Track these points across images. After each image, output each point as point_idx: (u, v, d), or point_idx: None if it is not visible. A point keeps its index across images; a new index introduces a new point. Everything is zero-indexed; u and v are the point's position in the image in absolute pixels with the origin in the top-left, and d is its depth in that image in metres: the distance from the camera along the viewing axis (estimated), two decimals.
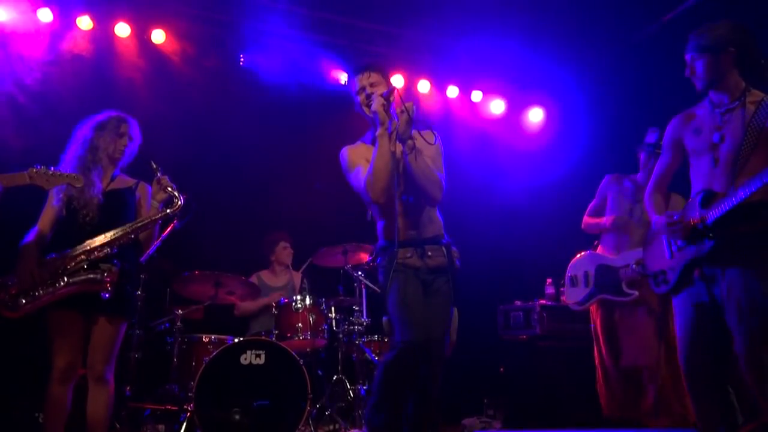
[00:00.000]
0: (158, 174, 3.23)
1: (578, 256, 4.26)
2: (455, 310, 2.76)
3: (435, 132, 2.91)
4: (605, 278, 3.98)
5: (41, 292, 2.92)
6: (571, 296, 4.20)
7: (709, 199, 2.63)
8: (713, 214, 2.57)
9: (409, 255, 2.80)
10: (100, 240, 3.04)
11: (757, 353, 2.47)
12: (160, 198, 3.23)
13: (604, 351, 4.00)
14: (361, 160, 2.86)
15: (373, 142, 2.74)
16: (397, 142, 2.73)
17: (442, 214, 2.98)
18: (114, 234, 3.06)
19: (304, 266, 4.94)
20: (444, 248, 2.85)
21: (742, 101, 2.62)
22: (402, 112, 2.72)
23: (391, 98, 2.71)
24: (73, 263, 2.98)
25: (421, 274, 2.80)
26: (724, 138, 2.63)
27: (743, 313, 2.50)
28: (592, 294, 4.05)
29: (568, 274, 4.27)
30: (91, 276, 2.98)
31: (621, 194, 4.08)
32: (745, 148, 2.55)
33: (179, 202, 3.21)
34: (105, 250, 3.04)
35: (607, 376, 3.99)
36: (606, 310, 4.01)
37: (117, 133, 3.23)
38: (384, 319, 2.97)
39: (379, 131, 2.70)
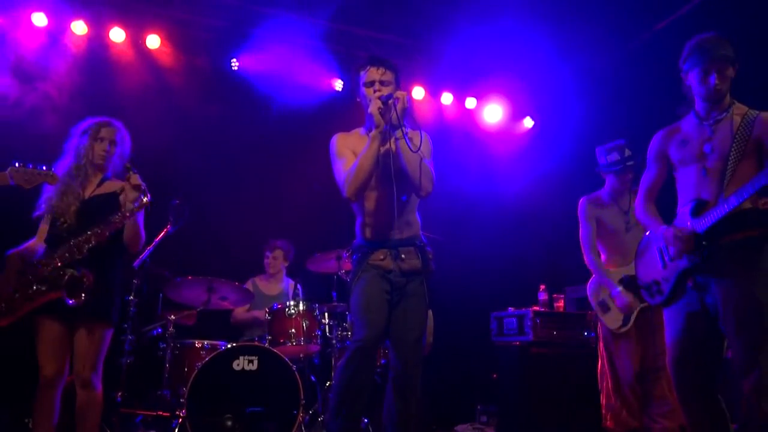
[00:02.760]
0: (130, 172, 3.19)
1: (591, 282, 4.11)
2: (430, 312, 2.77)
3: (423, 133, 2.88)
4: (634, 288, 3.86)
5: (17, 298, 2.92)
6: (611, 322, 3.93)
7: (699, 208, 2.66)
8: (705, 222, 2.61)
9: (382, 257, 2.82)
10: (66, 246, 3.02)
11: (753, 359, 2.50)
12: (132, 197, 3.17)
13: (624, 363, 3.81)
14: (348, 151, 2.87)
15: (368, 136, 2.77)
16: (391, 132, 2.75)
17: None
18: (81, 239, 3.03)
19: (298, 290, 4.86)
20: (419, 250, 2.86)
21: (730, 113, 2.70)
22: (397, 96, 2.72)
23: (390, 103, 2.72)
24: (46, 270, 2.97)
25: (393, 277, 2.81)
26: (714, 148, 2.68)
27: (740, 320, 2.53)
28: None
29: (593, 301, 4.07)
30: (54, 279, 2.95)
31: (614, 219, 4.03)
32: (733, 157, 2.61)
33: (145, 199, 3.14)
34: (73, 255, 3.01)
35: (619, 390, 3.84)
36: (641, 316, 3.83)
37: (95, 137, 3.23)
38: (349, 319, 2.98)
39: (373, 133, 2.73)
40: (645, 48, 5.60)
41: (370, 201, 2.86)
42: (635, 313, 3.83)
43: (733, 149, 2.62)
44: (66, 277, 2.96)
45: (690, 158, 2.75)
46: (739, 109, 2.72)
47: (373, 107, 2.73)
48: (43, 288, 2.96)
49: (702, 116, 2.78)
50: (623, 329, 3.87)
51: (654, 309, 3.75)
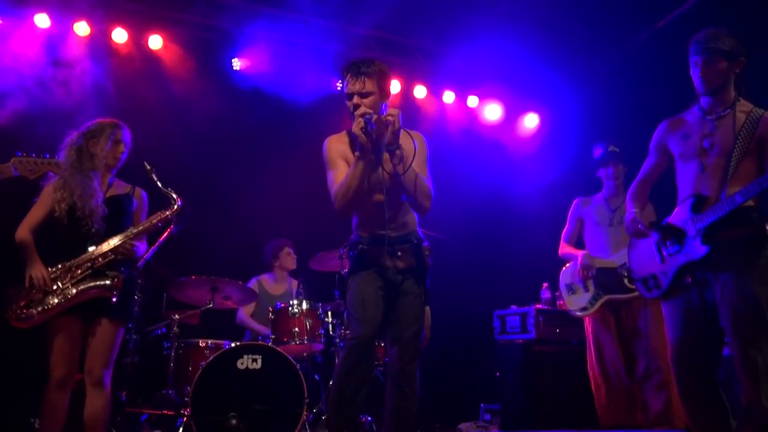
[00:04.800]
0: (152, 175, 3.24)
1: (568, 265, 4.27)
2: (428, 309, 2.77)
3: (418, 136, 2.86)
4: (606, 279, 3.93)
5: (53, 301, 2.95)
6: (573, 303, 4.13)
7: (700, 203, 2.67)
8: (707, 218, 2.61)
9: (378, 255, 2.82)
10: (104, 248, 3.07)
11: (751, 354, 2.52)
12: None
13: (610, 360, 3.92)
14: (339, 160, 2.83)
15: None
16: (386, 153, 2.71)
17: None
18: (118, 240, 3.09)
19: (300, 289, 4.85)
20: (414, 248, 2.85)
21: (734, 110, 2.68)
22: (388, 119, 2.64)
23: (374, 119, 2.62)
24: (79, 272, 3.01)
25: (389, 274, 2.81)
26: (714, 144, 2.68)
27: (738, 316, 2.55)
28: (594, 297, 3.99)
29: (563, 283, 4.23)
30: (100, 283, 3.02)
31: (599, 213, 4.12)
32: (737, 155, 2.61)
33: (176, 204, 3.24)
34: (109, 258, 3.07)
35: (610, 386, 3.92)
36: (616, 318, 3.94)
37: (114, 140, 3.24)
38: (345, 315, 3.00)
39: (357, 154, 2.68)
40: (646, 46, 5.60)
41: (366, 203, 2.84)
42: (600, 302, 3.97)
43: (736, 147, 2.62)
44: (114, 280, 3.03)
45: (690, 153, 2.75)
46: (743, 106, 2.71)
47: (356, 127, 2.64)
48: (81, 290, 2.99)
49: (705, 110, 2.77)
50: (582, 313, 4.05)
51: (632, 307, 3.83)
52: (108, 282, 3.01)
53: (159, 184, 3.28)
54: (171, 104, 5.49)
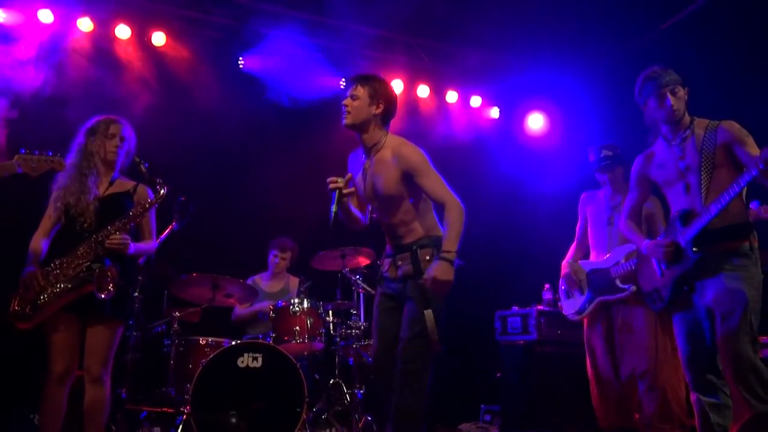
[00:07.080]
0: (142, 168, 3.23)
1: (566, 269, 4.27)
2: (429, 312, 2.82)
3: (405, 148, 2.94)
4: (598, 281, 3.96)
5: (44, 299, 2.95)
6: (568, 308, 4.16)
7: (686, 218, 2.91)
8: (692, 230, 2.86)
9: (386, 267, 3.03)
10: (91, 243, 3.05)
11: (734, 347, 2.71)
12: (144, 194, 3.32)
13: (601, 361, 3.93)
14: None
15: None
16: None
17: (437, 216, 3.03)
18: (102, 234, 3.07)
19: (304, 287, 4.85)
20: (412, 254, 2.93)
21: (692, 129, 2.95)
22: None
23: (345, 191, 2.93)
24: (71, 269, 3.00)
25: (394, 284, 2.98)
26: (687, 165, 2.93)
27: (724, 314, 2.76)
28: (589, 300, 4.01)
29: (561, 287, 4.25)
30: (81, 275, 2.99)
31: (598, 209, 4.15)
32: (705, 169, 2.86)
33: (162, 191, 3.22)
34: (98, 252, 3.04)
35: (602, 388, 3.93)
36: (606, 318, 3.95)
37: (106, 135, 3.24)
38: None
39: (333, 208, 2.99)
40: (650, 47, 5.58)
41: (379, 220, 3.04)
42: (593, 305, 3.97)
43: (703, 162, 2.85)
44: (95, 272, 2.99)
45: (672, 179, 3.00)
46: (700, 124, 2.95)
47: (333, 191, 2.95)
48: (70, 286, 2.98)
49: (669, 138, 3.01)
50: (577, 317, 4.09)
51: (627, 306, 3.87)
52: (87, 276, 2.98)
53: (146, 176, 3.25)
54: (173, 101, 5.48)
